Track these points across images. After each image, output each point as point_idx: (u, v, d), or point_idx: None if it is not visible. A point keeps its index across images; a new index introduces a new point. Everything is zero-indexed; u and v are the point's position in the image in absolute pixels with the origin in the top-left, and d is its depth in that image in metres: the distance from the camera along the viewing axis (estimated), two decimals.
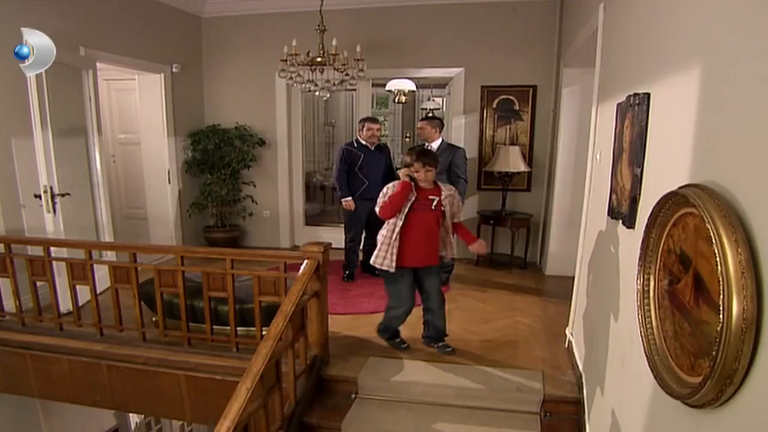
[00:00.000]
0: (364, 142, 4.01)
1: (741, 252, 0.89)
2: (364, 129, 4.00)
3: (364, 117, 4.30)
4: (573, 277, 2.94)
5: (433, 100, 8.12)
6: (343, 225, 4.28)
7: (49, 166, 3.23)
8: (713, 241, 0.93)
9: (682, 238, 1.19)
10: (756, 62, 0.94)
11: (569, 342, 2.87)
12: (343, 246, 4.18)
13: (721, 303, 0.90)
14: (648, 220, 1.33)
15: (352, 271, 4.20)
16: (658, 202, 1.26)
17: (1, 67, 3.02)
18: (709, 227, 0.95)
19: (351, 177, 4.02)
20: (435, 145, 3.86)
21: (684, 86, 1.31)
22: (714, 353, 0.91)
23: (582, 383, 2.41)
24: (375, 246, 4.28)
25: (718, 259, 0.91)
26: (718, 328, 0.90)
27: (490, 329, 3.22)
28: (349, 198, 3.99)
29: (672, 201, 1.20)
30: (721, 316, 0.89)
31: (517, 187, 4.70)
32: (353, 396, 2.58)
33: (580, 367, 2.51)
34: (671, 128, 1.43)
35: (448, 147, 3.91)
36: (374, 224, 4.19)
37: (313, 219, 6.15)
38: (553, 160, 4.43)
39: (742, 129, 0.99)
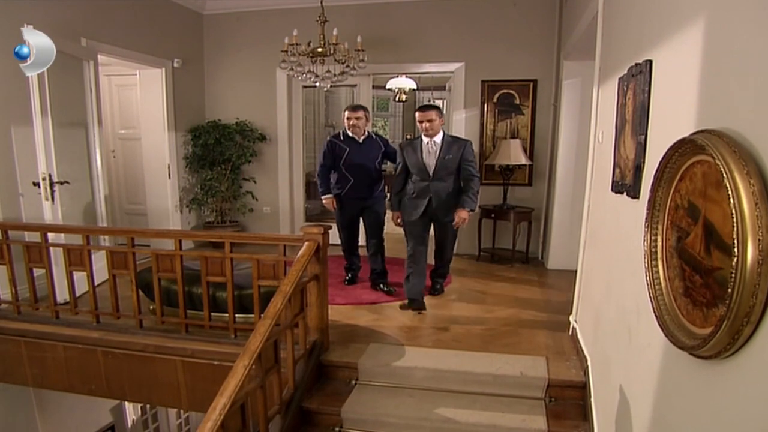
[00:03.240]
0: (350, 134, 3.55)
1: (753, 183, 0.86)
2: (345, 118, 3.55)
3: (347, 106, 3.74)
4: (575, 271, 2.90)
5: (434, 101, 8.15)
6: None
7: (48, 154, 3.21)
8: (724, 175, 0.90)
9: (689, 190, 1.16)
10: (759, 7, 0.92)
11: (573, 329, 2.82)
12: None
13: (735, 238, 0.87)
14: (654, 178, 1.31)
15: (353, 274, 3.82)
16: (664, 156, 1.23)
17: (1, 55, 3.02)
18: (719, 163, 0.92)
19: (338, 173, 3.56)
20: (438, 139, 3.19)
21: (688, 44, 1.29)
22: (729, 291, 0.88)
23: (587, 366, 2.36)
24: (381, 249, 3.67)
25: (730, 192, 0.88)
26: (734, 263, 0.87)
27: (493, 318, 3.18)
28: (329, 195, 3.57)
29: (680, 152, 1.17)
30: (735, 250, 0.86)
31: (518, 182, 4.67)
32: (353, 382, 2.52)
33: (585, 351, 2.46)
34: (674, 89, 1.41)
35: (454, 140, 3.27)
36: (375, 224, 3.65)
37: (314, 217, 6.12)
38: (554, 153, 4.41)
39: (747, 72, 0.97)
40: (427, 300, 3.36)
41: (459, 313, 3.28)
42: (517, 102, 4.64)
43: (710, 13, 1.18)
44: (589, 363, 2.37)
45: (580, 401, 2.36)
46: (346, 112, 3.55)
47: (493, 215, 4.55)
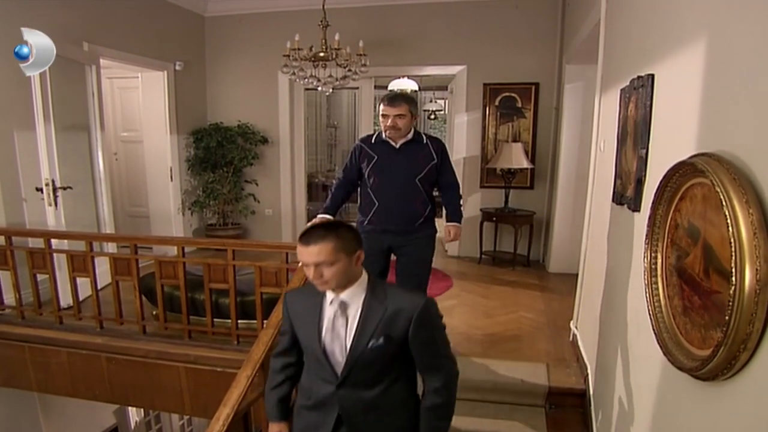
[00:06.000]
0: (384, 137, 2.44)
1: (752, 212, 0.87)
2: (380, 115, 2.44)
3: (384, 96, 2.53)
4: (577, 274, 2.91)
5: (436, 102, 8.15)
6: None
7: (51, 160, 3.23)
8: (723, 203, 0.91)
9: (689, 211, 1.17)
10: (761, 29, 0.92)
11: (574, 335, 2.84)
12: None
13: (733, 265, 0.88)
14: (654, 196, 1.31)
15: None
16: (665, 176, 1.24)
17: (4, 60, 3.03)
18: (718, 190, 0.93)
19: (362, 192, 2.53)
20: (352, 296, 1.40)
21: (689, 62, 1.30)
22: (727, 318, 0.89)
23: (587, 374, 2.37)
24: None
25: (729, 221, 0.89)
26: (731, 291, 0.87)
27: (494, 324, 3.19)
28: (325, 215, 2.44)
29: (680, 173, 1.18)
30: (733, 278, 0.87)
31: (520, 185, 4.67)
32: None
33: (585, 359, 2.47)
34: (676, 106, 1.42)
35: (390, 297, 1.43)
36: (412, 274, 2.49)
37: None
38: (556, 157, 4.41)
39: (748, 95, 0.97)
40: None
41: (459, 318, 3.29)
42: (519, 105, 4.64)
43: (712, 33, 1.19)
44: (589, 370, 2.38)
45: (580, 408, 2.38)
46: (381, 106, 2.41)
47: (494, 218, 4.56)
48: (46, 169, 3.22)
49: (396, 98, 2.41)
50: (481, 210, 4.70)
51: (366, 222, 2.48)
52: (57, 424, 3.77)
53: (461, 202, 2.60)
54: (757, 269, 0.84)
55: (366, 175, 2.48)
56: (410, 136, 2.43)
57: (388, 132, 2.41)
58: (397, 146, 2.43)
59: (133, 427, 4.61)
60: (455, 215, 2.56)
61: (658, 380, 1.37)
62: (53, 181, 3.24)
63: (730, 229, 0.88)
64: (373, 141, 2.50)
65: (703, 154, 1.08)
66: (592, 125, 2.69)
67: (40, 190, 3.23)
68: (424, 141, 2.47)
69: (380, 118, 2.43)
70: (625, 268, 1.80)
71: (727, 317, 0.89)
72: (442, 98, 7.97)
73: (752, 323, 0.85)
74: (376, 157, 2.44)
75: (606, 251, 2.22)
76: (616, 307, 1.93)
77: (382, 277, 2.50)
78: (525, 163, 4.40)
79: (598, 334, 2.27)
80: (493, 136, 4.74)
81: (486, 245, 4.74)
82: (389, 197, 2.42)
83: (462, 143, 4.83)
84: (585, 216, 2.73)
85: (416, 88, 6.57)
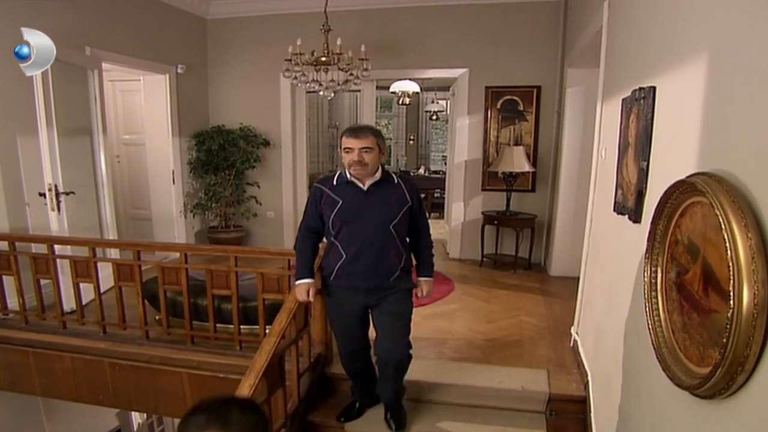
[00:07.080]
0: (349, 177, 2.07)
1: (751, 237, 0.87)
2: (342, 149, 2.06)
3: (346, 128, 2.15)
4: (578, 278, 2.92)
5: (437, 103, 8.16)
6: None
7: (54, 165, 3.25)
8: (722, 226, 0.92)
9: (689, 228, 1.17)
10: (763, 48, 0.92)
11: (574, 341, 2.84)
12: None
13: (731, 289, 0.88)
14: (655, 211, 1.32)
15: (362, 402, 2.42)
16: (665, 192, 1.24)
17: (7, 66, 3.03)
18: (718, 213, 0.94)
19: (326, 240, 2.18)
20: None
21: (690, 77, 1.30)
22: (724, 340, 0.90)
23: (588, 381, 2.38)
24: (398, 373, 2.24)
25: (727, 244, 0.90)
26: (729, 314, 0.88)
27: (495, 328, 3.20)
28: (304, 280, 2.12)
29: (680, 190, 1.18)
30: (731, 302, 0.88)
31: (522, 188, 4.68)
32: None
33: (586, 366, 2.48)
34: (677, 120, 1.42)
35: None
36: (391, 330, 2.16)
37: None
38: (558, 160, 4.41)
39: (749, 116, 0.98)
40: (429, 308, 3.38)
41: (462, 323, 3.31)
42: (521, 108, 4.64)
43: (713, 49, 1.19)
44: (589, 377, 2.39)
45: (581, 415, 2.38)
46: (344, 138, 2.05)
47: (496, 221, 4.57)
48: (49, 173, 3.24)
49: (361, 129, 2.05)
50: (482, 213, 4.71)
51: (332, 277, 2.12)
52: (60, 427, 3.80)
53: (432, 252, 2.28)
54: (755, 293, 0.85)
55: (330, 223, 2.08)
56: (378, 175, 2.06)
57: (353, 169, 2.02)
58: (365, 188, 2.05)
59: (135, 429, 4.65)
60: (427, 268, 2.25)
61: (658, 393, 1.38)
62: (56, 186, 3.26)
63: (729, 252, 0.89)
64: (335, 182, 2.10)
65: (703, 174, 1.08)
66: (594, 129, 2.69)
67: (42, 194, 3.25)
68: (396, 181, 2.12)
69: (342, 153, 2.04)
70: (625, 278, 1.81)
71: (724, 339, 0.90)
72: (444, 99, 7.98)
73: (749, 346, 0.86)
74: (340, 202, 2.05)
75: (606, 259, 2.23)
76: (616, 314, 1.94)
77: (363, 339, 2.24)
78: (526, 167, 4.40)
79: (598, 342, 2.28)
80: (495, 140, 4.74)
81: (487, 248, 4.75)
82: (359, 248, 2.05)
83: (464, 146, 4.83)
84: (586, 223, 2.73)
85: (418, 89, 6.57)
